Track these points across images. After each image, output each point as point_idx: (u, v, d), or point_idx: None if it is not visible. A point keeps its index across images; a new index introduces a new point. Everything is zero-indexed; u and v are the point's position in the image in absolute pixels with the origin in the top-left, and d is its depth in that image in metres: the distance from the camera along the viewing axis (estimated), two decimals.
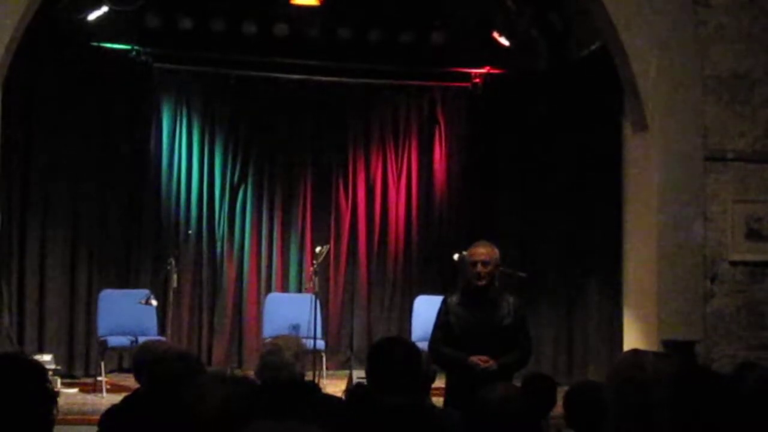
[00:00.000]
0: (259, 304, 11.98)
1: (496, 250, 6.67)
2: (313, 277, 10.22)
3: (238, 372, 10.47)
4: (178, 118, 12.14)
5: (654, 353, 3.53)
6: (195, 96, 12.23)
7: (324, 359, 10.93)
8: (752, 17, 9.39)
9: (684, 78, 9.25)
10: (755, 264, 9.29)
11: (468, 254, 6.70)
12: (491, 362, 6.38)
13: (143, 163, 11.95)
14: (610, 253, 10.51)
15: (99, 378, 10.15)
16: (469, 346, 6.48)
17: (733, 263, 9.23)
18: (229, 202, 12.26)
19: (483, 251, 6.62)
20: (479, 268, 6.55)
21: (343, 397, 5.00)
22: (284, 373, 4.77)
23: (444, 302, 6.78)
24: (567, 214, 11.67)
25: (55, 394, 3.22)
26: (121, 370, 11.08)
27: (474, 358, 6.40)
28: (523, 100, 11.91)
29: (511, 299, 6.70)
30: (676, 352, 8.40)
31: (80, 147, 11.24)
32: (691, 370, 3.40)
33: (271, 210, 12.43)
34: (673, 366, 3.31)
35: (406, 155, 12.69)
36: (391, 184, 12.65)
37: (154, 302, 10.38)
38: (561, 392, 5.31)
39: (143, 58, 11.62)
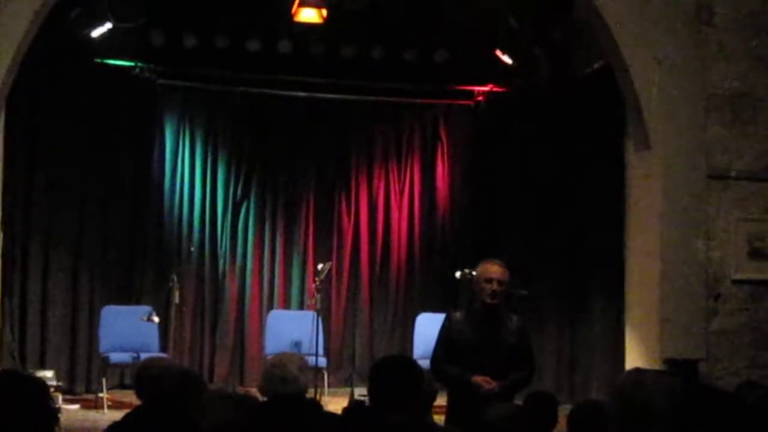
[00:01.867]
0: (261, 321, 11.98)
1: (507, 270, 6.66)
2: (315, 294, 10.23)
3: (239, 389, 10.46)
4: (182, 134, 12.17)
5: (656, 372, 3.53)
6: (198, 113, 12.27)
7: (326, 376, 10.93)
8: (755, 35, 9.40)
9: (687, 96, 9.25)
10: (758, 283, 9.26)
11: (481, 271, 6.63)
12: (494, 384, 6.37)
13: (146, 179, 11.97)
14: (612, 272, 10.49)
15: (100, 394, 10.17)
16: (472, 363, 6.46)
17: (736, 282, 9.21)
18: (232, 219, 12.27)
19: (498, 270, 6.58)
20: (495, 286, 6.51)
21: (342, 415, 4.98)
22: (289, 387, 4.76)
23: (447, 318, 6.75)
24: (569, 231, 11.67)
25: (57, 411, 3.23)
26: (122, 386, 11.08)
27: (478, 379, 6.38)
28: (526, 118, 11.92)
29: (515, 318, 6.70)
30: (678, 370, 8.37)
31: (83, 163, 11.25)
32: (693, 389, 3.40)
33: (273, 227, 12.44)
34: (675, 384, 3.31)
35: (408, 172, 12.71)
36: (394, 202, 12.67)
37: (156, 319, 10.38)
38: (563, 411, 5.30)
39: (147, 74, 11.65)
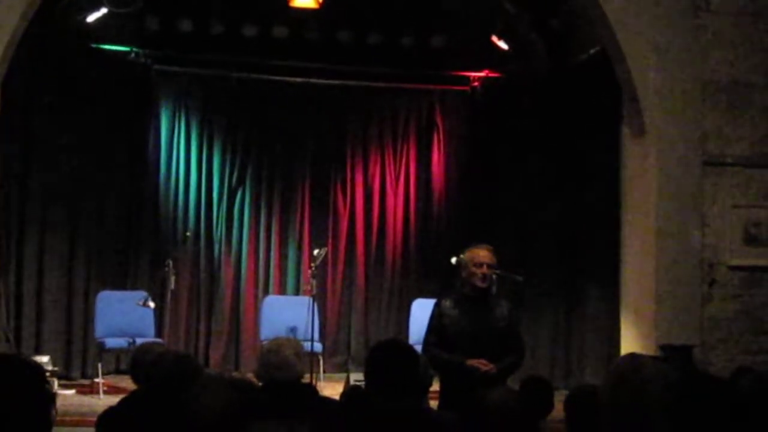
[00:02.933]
0: (256, 307, 11.97)
1: (494, 254, 6.69)
2: (311, 279, 10.22)
3: (236, 374, 10.47)
4: (177, 119, 12.14)
5: (651, 357, 3.53)
6: (194, 98, 12.24)
7: (321, 362, 10.93)
8: (752, 23, 9.40)
9: (683, 83, 9.26)
10: (753, 269, 9.30)
11: (470, 256, 6.66)
12: (491, 366, 6.38)
13: (142, 164, 11.95)
14: (608, 257, 10.50)
15: (96, 379, 10.15)
16: (462, 348, 6.48)
17: (732, 268, 9.24)
18: (228, 204, 12.26)
19: (487, 254, 6.62)
20: (485, 269, 6.56)
21: (340, 400, 4.99)
22: (285, 372, 4.77)
23: (437, 305, 6.77)
24: (565, 218, 11.66)
25: (53, 396, 3.22)
26: (118, 371, 11.07)
27: (473, 362, 6.39)
28: (522, 104, 11.90)
29: (504, 303, 6.72)
30: (673, 356, 8.40)
31: (79, 148, 11.21)
32: (688, 374, 3.41)
33: (269, 212, 12.43)
34: (670, 370, 3.31)
35: (404, 158, 12.70)
36: (390, 187, 12.66)
37: (151, 304, 10.37)
38: (558, 396, 5.31)
39: (143, 59, 11.62)
